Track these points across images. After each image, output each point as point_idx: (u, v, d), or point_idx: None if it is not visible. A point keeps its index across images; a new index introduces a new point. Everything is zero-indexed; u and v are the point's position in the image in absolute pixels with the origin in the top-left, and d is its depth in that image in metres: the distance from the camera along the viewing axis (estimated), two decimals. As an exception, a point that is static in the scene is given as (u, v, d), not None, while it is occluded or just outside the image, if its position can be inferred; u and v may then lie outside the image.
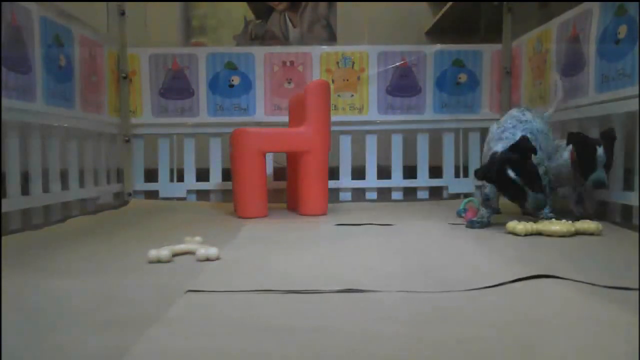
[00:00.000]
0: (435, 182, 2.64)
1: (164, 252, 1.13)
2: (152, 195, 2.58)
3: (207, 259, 1.13)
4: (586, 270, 1.01)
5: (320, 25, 3.19)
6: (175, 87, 2.57)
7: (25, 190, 1.77)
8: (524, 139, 1.45)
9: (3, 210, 1.60)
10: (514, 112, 1.69)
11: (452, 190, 2.62)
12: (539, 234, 1.42)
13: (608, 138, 1.57)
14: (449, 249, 1.28)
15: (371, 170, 2.62)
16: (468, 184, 2.62)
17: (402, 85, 2.60)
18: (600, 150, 1.53)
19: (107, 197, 2.41)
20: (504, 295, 0.85)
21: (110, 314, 0.77)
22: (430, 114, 2.60)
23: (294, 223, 1.77)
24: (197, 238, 1.31)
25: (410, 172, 2.63)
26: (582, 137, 1.59)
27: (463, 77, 2.60)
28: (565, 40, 2.02)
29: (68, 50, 2.02)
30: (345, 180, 2.61)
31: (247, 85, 2.58)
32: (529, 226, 1.42)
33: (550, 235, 1.40)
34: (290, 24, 3.20)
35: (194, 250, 1.17)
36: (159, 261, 1.12)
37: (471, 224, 1.59)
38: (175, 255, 1.17)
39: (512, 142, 1.47)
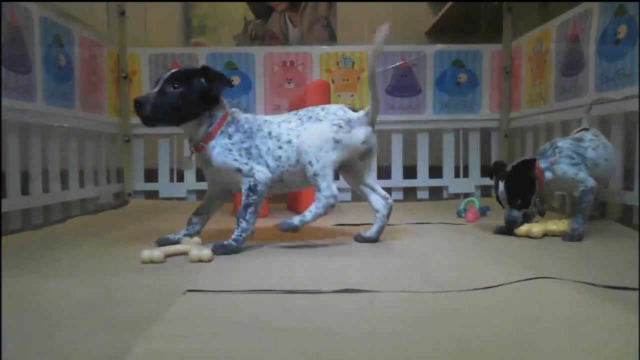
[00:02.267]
0: (435, 182, 2.64)
1: (157, 252, 1.13)
2: (152, 195, 2.58)
3: (200, 260, 1.13)
4: (586, 270, 1.01)
5: (320, 25, 3.19)
6: (175, 87, 2.56)
7: (25, 190, 1.77)
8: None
9: (3, 210, 1.60)
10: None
11: (452, 190, 2.62)
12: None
13: (514, 173, 1.41)
14: (448, 249, 1.28)
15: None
16: (468, 184, 2.62)
17: (402, 85, 2.60)
18: (500, 186, 1.42)
19: (107, 197, 2.41)
20: (503, 296, 0.85)
21: (110, 314, 0.77)
22: (430, 114, 2.60)
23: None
24: (196, 239, 1.31)
25: (410, 172, 2.63)
26: (495, 169, 1.48)
27: (463, 77, 2.60)
28: (565, 40, 2.02)
29: (68, 50, 2.02)
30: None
31: (247, 85, 2.58)
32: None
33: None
34: (290, 24, 3.20)
35: (187, 251, 1.17)
36: (151, 262, 1.12)
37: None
38: (168, 256, 1.17)
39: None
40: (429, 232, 1.53)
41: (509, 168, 1.44)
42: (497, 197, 1.45)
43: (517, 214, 1.40)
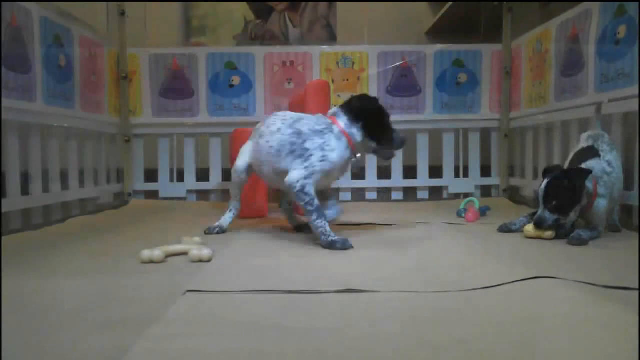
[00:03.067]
0: (435, 182, 2.64)
1: (157, 252, 1.13)
2: (152, 195, 2.58)
3: (200, 260, 1.13)
4: (586, 270, 1.01)
5: (320, 25, 3.19)
6: (175, 87, 2.57)
7: (25, 190, 1.77)
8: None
9: (3, 210, 1.60)
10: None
11: (452, 190, 2.62)
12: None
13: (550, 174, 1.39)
14: (448, 249, 1.28)
15: (371, 170, 2.62)
16: (468, 184, 2.62)
17: (402, 85, 2.60)
18: (543, 183, 1.37)
19: (107, 197, 2.41)
20: (504, 296, 0.85)
21: (110, 314, 0.77)
22: (430, 114, 2.60)
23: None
24: (196, 238, 1.31)
25: (410, 172, 2.63)
26: (548, 169, 1.44)
27: (463, 77, 2.60)
28: (565, 41, 2.02)
29: (68, 50, 2.02)
30: (345, 180, 2.61)
31: (247, 85, 2.58)
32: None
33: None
34: (290, 24, 3.20)
35: (187, 251, 1.17)
36: (151, 262, 1.12)
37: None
38: (168, 256, 1.17)
39: None
40: (429, 232, 1.53)
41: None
42: (536, 194, 1.41)
43: (548, 216, 1.35)
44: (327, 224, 1.30)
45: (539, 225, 1.36)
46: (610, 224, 1.52)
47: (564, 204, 1.34)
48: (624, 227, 1.54)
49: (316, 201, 1.30)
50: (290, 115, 1.45)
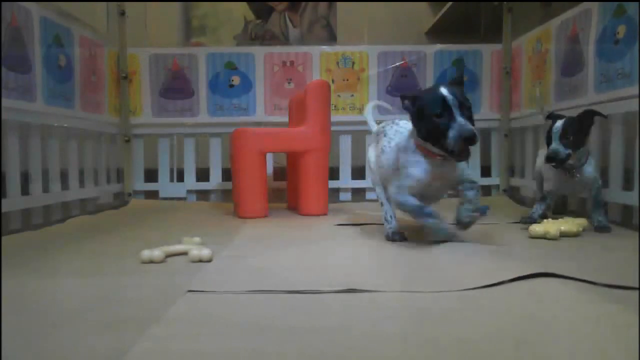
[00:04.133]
0: (435, 182, 2.63)
1: (157, 252, 1.13)
2: (152, 195, 2.58)
3: (200, 260, 1.13)
4: (585, 269, 1.01)
5: (320, 25, 3.19)
6: (175, 87, 2.57)
7: (25, 190, 1.77)
8: None
9: (3, 210, 1.60)
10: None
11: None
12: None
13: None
14: (449, 248, 1.28)
15: (371, 170, 2.61)
16: (468, 184, 2.62)
17: (402, 85, 2.60)
18: (558, 123, 1.52)
19: (107, 197, 2.41)
20: (504, 295, 0.85)
21: (110, 314, 0.77)
22: (430, 114, 2.60)
23: (294, 223, 1.77)
24: (196, 239, 1.31)
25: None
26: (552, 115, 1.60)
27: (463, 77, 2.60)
28: (565, 40, 2.02)
29: (68, 50, 2.02)
30: (345, 180, 2.61)
31: (247, 85, 2.58)
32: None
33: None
34: (290, 24, 3.20)
35: (187, 251, 1.17)
36: (151, 262, 1.12)
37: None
38: (168, 256, 1.17)
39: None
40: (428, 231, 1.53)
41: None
42: (547, 135, 1.51)
43: (562, 149, 1.46)
44: None
45: (554, 157, 1.47)
46: (596, 225, 1.49)
47: (578, 139, 1.48)
48: (624, 226, 1.54)
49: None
50: None
